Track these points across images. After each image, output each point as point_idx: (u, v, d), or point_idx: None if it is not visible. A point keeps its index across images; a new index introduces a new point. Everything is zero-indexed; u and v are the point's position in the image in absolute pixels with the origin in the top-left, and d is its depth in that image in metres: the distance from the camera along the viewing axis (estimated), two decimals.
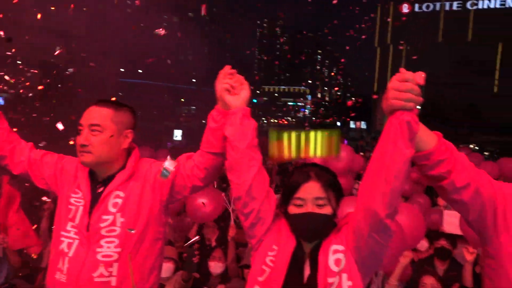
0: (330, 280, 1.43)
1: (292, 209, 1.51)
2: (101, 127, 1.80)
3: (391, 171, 1.27)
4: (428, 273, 3.18)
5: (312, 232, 1.49)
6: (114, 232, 1.77)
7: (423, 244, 4.55)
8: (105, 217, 1.79)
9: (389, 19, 63.37)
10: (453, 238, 4.25)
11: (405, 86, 1.21)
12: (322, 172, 1.55)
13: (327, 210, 1.49)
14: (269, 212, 1.57)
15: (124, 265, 1.76)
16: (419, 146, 1.33)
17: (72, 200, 1.84)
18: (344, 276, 1.44)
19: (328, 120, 61.78)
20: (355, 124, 65.54)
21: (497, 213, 1.42)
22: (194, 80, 54.62)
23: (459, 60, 57.26)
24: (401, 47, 61.60)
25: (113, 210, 1.79)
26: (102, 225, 1.77)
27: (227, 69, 1.68)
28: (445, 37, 60.90)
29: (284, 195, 1.58)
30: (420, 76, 1.23)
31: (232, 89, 1.64)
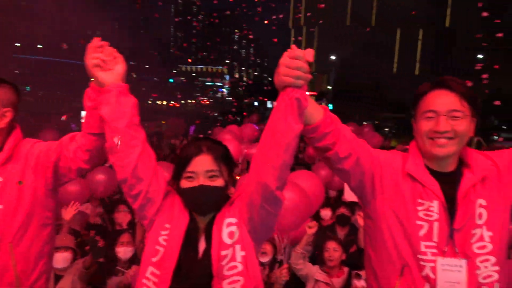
0: (223, 252, 1.46)
1: (184, 183, 1.50)
2: None
3: (281, 145, 1.31)
4: (330, 238, 3.47)
5: (205, 204, 1.51)
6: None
7: (327, 213, 4.94)
8: None
9: (300, 3, 65.56)
10: (352, 206, 4.67)
11: (295, 63, 1.24)
12: (214, 145, 1.55)
13: (219, 182, 1.50)
14: (159, 192, 1.53)
15: (4, 255, 1.63)
16: (307, 120, 1.40)
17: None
18: (238, 247, 1.48)
19: (246, 100, 62.49)
20: (272, 104, 67.39)
21: (375, 179, 1.56)
22: None
23: (364, 42, 61.76)
24: (312, 29, 64.31)
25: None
26: None
27: (96, 42, 1.50)
28: (352, 21, 65.04)
29: (175, 169, 1.55)
30: (310, 53, 1.27)
31: (104, 64, 1.49)
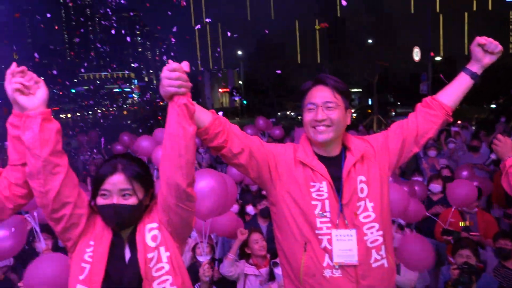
0: (149, 255, 1.57)
1: (99, 200, 1.56)
2: None
3: (181, 147, 1.47)
4: (253, 230, 3.68)
5: (119, 221, 1.57)
6: None
7: (251, 209, 5.25)
8: None
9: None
10: None
11: (174, 75, 1.43)
12: (129, 164, 1.61)
13: (132, 201, 1.57)
14: (82, 214, 1.57)
15: None
16: (198, 124, 1.59)
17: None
18: (162, 248, 1.61)
19: (160, 104, 60.66)
20: None
21: (271, 168, 1.79)
22: None
23: (265, 36, 63.77)
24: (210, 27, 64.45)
25: None
26: None
27: (14, 67, 1.45)
28: (252, 16, 66.65)
29: (93, 187, 1.61)
30: (186, 65, 1.48)
31: (26, 89, 1.44)
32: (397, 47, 56.66)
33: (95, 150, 10.35)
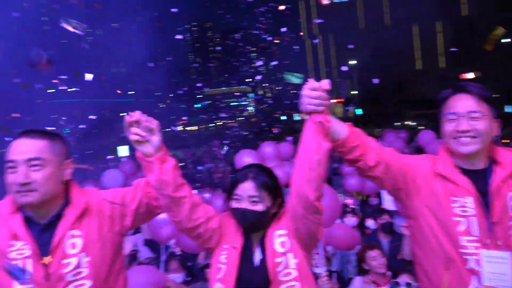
0: (277, 260, 1.69)
1: (233, 203, 1.78)
2: (42, 160, 1.63)
3: (314, 161, 1.56)
4: (371, 247, 3.61)
5: (247, 224, 1.74)
6: (81, 274, 1.68)
7: (371, 223, 5.09)
8: (66, 261, 1.66)
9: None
10: (393, 214, 4.82)
11: (314, 94, 1.53)
12: (259, 173, 1.78)
13: (259, 207, 1.73)
14: (215, 228, 1.75)
15: None
16: (335, 137, 1.66)
17: (12, 255, 1.62)
18: (290, 255, 1.71)
19: (274, 115, 62.77)
20: (299, 116, 67.00)
21: (408, 181, 1.75)
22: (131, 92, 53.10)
23: (381, 43, 60.96)
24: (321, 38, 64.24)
25: (73, 251, 1.68)
26: (65, 270, 1.65)
27: (130, 118, 1.60)
28: (366, 23, 64.53)
29: (228, 190, 1.83)
30: (326, 83, 1.55)
31: (142, 138, 1.60)
32: None
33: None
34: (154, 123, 1.62)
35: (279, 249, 1.71)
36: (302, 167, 1.59)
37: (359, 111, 49.45)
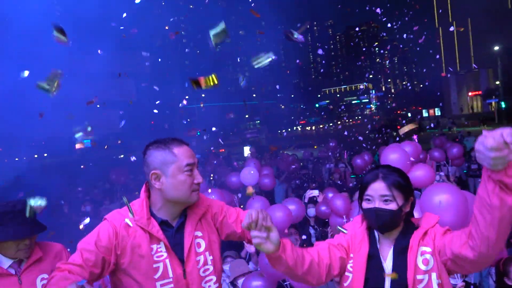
0: (419, 277, 1.62)
1: (364, 204, 1.75)
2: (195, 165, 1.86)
3: (495, 217, 1.36)
4: None
5: (381, 223, 1.71)
6: (209, 271, 1.85)
7: None
8: (198, 258, 1.83)
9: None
10: None
11: (489, 153, 1.23)
12: (389, 173, 1.75)
13: (392, 206, 1.69)
14: (339, 260, 1.77)
15: None
16: None
17: (155, 258, 1.75)
18: (434, 274, 1.63)
19: (398, 112, 58.84)
20: (427, 112, 61.56)
21: None
22: (254, 95, 55.93)
23: None
24: (461, 29, 56.98)
25: (200, 250, 1.84)
26: (198, 267, 1.82)
27: (248, 220, 1.56)
28: None
29: (359, 191, 1.82)
30: (508, 134, 1.21)
31: (263, 238, 1.58)
32: None
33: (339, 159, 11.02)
34: (269, 221, 1.60)
35: (422, 266, 1.66)
36: (480, 219, 1.42)
37: (503, 105, 42.61)
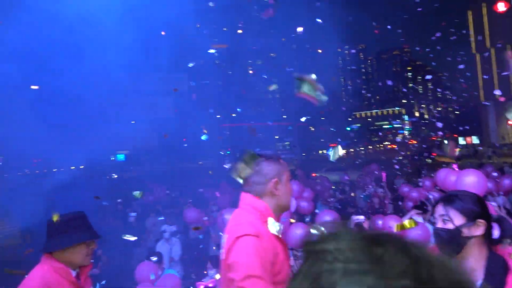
0: None
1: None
2: None
3: None
4: None
5: (439, 243, 1.76)
6: None
7: None
8: None
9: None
10: None
11: None
12: (451, 195, 1.84)
13: (449, 225, 1.75)
14: None
15: None
16: None
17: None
18: None
19: (433, 139, 57.11)
20: (465, 139, 59.34)
21: None
22: (285, 117, 55.93)
23: None
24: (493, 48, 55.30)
25: None
26: None
27: None
28: None
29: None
30: None
31: None
32: None
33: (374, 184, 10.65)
34: None
35: None
36: None
37: None
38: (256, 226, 1.76)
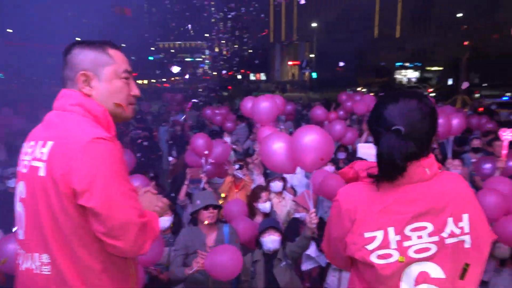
0: None
1: None
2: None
3: None
4: None
5: None
6: None
7: None
8: None
9: None
10: None
11: None
12: None
13: None
14: None
15: None
16: None
17: None
18: None
19: (229, 73, 61.56)
20: (255, 76, 66.45)
21: None
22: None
23: (344, 9, 61.12)
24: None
25: None
26: None
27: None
28: None
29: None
30: None
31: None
32: (494, 22, 50.77)
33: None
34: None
35: None
36: None
37: (314, 75, 49.66)
38: None
